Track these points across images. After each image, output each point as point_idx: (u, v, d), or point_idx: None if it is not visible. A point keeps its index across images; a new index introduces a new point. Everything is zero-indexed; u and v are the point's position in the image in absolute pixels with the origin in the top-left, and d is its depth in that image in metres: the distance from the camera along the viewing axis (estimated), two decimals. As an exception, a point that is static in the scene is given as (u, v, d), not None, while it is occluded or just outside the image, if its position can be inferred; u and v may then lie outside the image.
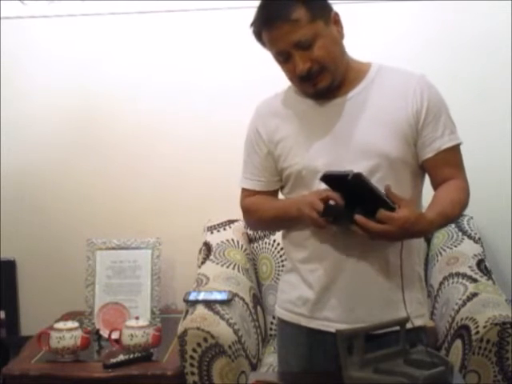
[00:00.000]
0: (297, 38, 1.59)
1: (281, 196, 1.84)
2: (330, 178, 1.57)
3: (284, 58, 1.64)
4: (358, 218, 1.52)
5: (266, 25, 1.62)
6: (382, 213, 1.50)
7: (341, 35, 1.67)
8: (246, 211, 1.84)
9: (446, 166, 1.69)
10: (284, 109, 1.75)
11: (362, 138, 1.65)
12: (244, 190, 1.84)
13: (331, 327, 1.67)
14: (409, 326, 1.62)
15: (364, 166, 1.64)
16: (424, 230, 1.59)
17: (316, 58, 1.61)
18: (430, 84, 1.70)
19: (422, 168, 1.72)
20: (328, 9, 1.66)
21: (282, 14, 1.58)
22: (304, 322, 1.75)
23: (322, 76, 1.63)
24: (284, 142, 1.72)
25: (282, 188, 1.81)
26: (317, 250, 1.70)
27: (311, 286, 1.72)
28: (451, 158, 1.69)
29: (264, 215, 1.79)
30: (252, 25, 1.67)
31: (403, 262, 1.65)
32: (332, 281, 1.69)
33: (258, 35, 1.67)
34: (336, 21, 1.66)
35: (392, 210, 1.52)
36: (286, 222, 1.76)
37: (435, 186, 1.71)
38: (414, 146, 1.68)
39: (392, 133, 1.65)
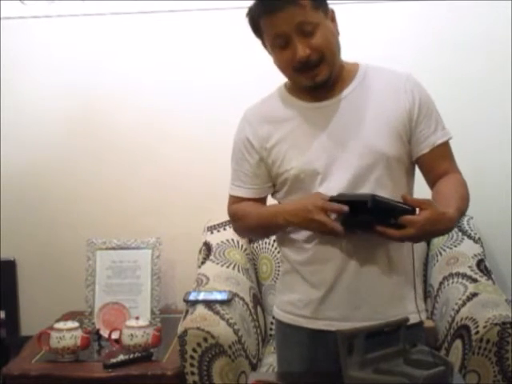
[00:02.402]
0: (301, 19, 1.58)
1: (272, 201, 1.83)
2: (340, 201, 1.59)
3: (283, 43, 1.61)
4: (380, 229, 1.55)
5: (272, 8, 1.59)
6: (404, 218, 1.54)
7: (337, 32, 1.68)
8: (233, 217, 1.83)
9: (441, 160, 1.71)
10: (274, 113, 1.74)
11: (358, 137, 1.66)
12: (231, 197, 1.82)
13: (335, 326, 1.66)
14: (414, 320, 1.65)
15: (361, 165, 1.65)
16: (446, 227, 1.60)
17: (316, 47, 1.60)
18: (418, 82, 1.72)
19: (413, 165, 1.74)
20: (327, 4, 1.66)
21: None
22: (306, 324, 1.74)
23: (320, 68, 1.62)
24: (278, 147, 1.71)
25: (274, 192, 1.79)
26: (319, 251, 1.69)
27: (314, 287, 1.71)
28: (445, 153, 1.72)
29: (249, 222, 1.77)
30: (249, 14, 1.65)
31: (403, 259, 1.69)
32: (335, 281, 1.69)
33: (256, 25, 1.64)
34: (332, 18, 1.67)
35: (413, 212, 1.57)
36: (272, 229, 1.78)
37: (432, 180, 1.73)
38: (408, 144, 1.69)
39: (387, 131, 1.66)
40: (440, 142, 1.69)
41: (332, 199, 1.60)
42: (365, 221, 1.56)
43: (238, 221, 1.82)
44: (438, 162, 1.70)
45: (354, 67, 1.73)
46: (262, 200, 1.80)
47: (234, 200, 1.81)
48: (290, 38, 1.60)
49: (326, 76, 1.64)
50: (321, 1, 1.63)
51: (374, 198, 1.54)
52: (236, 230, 1.90)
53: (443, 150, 1.71)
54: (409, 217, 1.54)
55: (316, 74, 1.63)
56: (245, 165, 1.76)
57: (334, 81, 1.68)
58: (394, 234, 1.55)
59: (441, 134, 1.70)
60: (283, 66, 1.67)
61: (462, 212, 1.64)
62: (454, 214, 1.58)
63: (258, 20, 1.64)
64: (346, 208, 1.56)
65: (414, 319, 1.67)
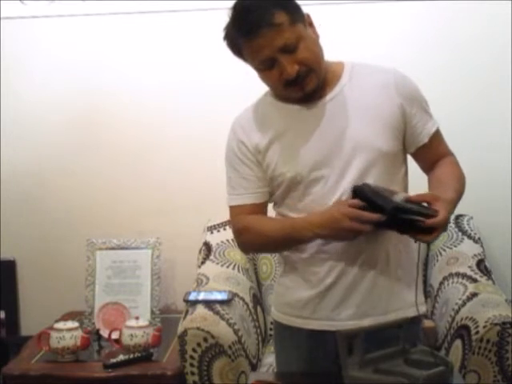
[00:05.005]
0: (282, 41, 1.57)
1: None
2: (361, 193, 1.57)
3: (268, 66, 1.61)
4: (412, 235, 1.55)
5: (250, 34, 1.58)
6: (430, 223, 1.51)
7: (317, 36, 1.66)
8: (242, 230, 1.73)
9: (437, 146, 1.75)
10: (265, 117, 1.72)
11: (353, 135, 1.65)
12: (236, 208, 1.74)
13: (334, 327, 1.66)
14: (414, 313, 1.67)
15: (359, 162, 1.64)
16: (450, 213, 1.60)
17: (302, 60, 1.60)
18: (405, 75, 1.73)
19: (406, 157, 1.75)
20: (302, 12, 1.64)
21: (265, 21, 1.56)
22: (304, 324, 1.73)
23: (308, 78, 1.62)
24: (272, 151, 1.69)
25: (270, 195, 1.77)
26: (319, 251, 1.69)
27: (313, 287, 1.71)
28: (440, 138, 1.76)
29: (267, 234, 1.70)
30: (228, 38, 1.64)
31: (402, 254, 1.70)
32: (334, 282, 1.69)
33: (236, 48, 1.64)
34: (310, 23, 1.65)
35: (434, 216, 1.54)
36: (295, 243, 1.70)
37: (429, 167, 1.76)
38: (402, 138, 1.70)
39: (380, 127, 1.66)
40: (434, 130, 1.72)
41: (355, 189, 1.58)
42: (402, 224, 1.53)
43: (252, 232, 1.72)
44: (435, 149, 1.74)
45: (340, 66, 1.72)
46: (265, 206, 1.76)
47: (238, 211, 1.74)
48: (275, 59, 1.59)
49: (314, 84, 1.64)
50: (296, 13, 1.61)
51: (395, 207, 1.51)
52: (245, 244, 1.78)
53: (438, 137, 1.75)
54: (433, 221, 1.51)
55: (305, 85, 1.63)
56: (245, 169, 1.73)
57: (322, 82, 1.67)
58: (426, 240, 1.56)
59: (432, 122, 1.73)
60: (271, 84, 1.68)
61: (459, 192, 1.68)
62: (451, 197, 1.61)
63: (237, 44, 1.63)
64: (379, 217, 1.52)
65: (412, 312, 1.67)
